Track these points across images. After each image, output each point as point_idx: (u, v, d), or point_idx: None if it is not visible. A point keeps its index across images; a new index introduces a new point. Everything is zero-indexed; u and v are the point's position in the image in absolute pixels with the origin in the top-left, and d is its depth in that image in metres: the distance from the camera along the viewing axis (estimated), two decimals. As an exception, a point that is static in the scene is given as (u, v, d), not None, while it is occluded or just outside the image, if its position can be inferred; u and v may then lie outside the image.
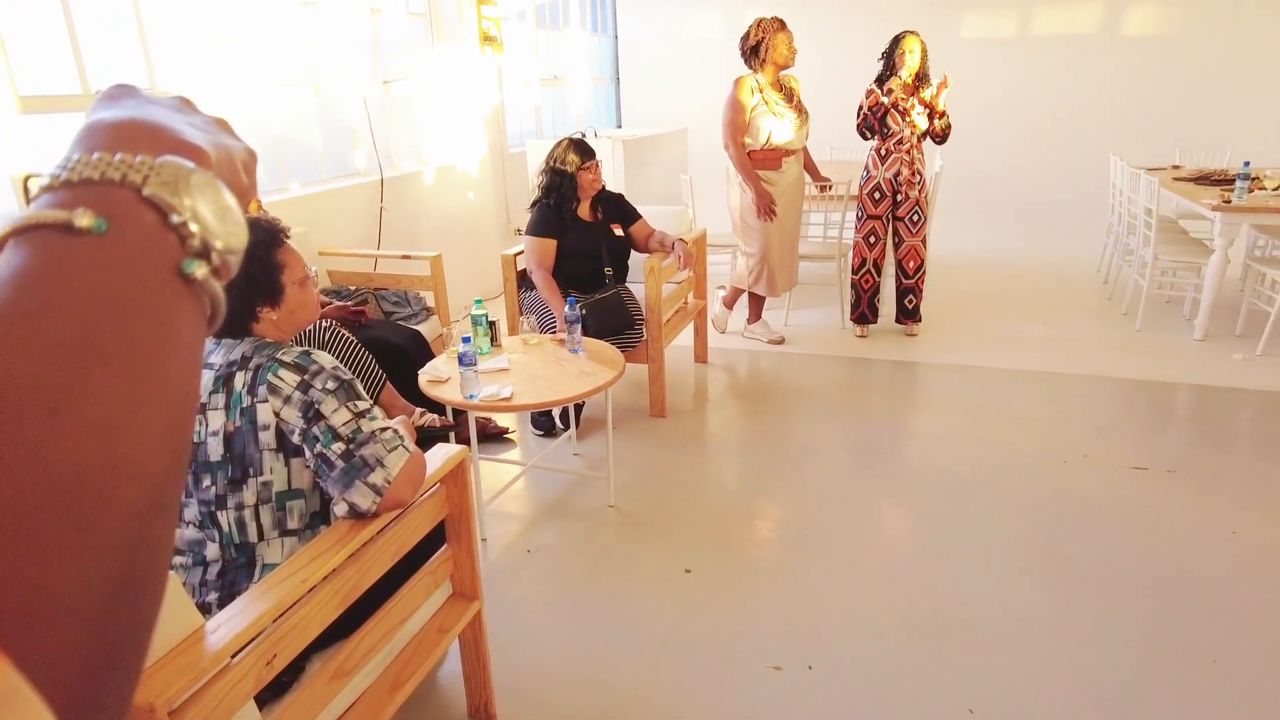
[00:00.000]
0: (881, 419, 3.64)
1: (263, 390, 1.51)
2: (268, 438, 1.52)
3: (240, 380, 1.53)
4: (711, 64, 7.76)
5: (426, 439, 2.09)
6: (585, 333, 3.08)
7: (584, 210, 3.50)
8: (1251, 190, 4.40)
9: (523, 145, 6.04)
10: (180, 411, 0.30)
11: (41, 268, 0.28)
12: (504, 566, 2.59)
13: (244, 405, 1.52)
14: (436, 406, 2.70)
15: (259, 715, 1.33)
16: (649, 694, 2.03)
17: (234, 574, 1.56)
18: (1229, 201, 4.20)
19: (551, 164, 3.44)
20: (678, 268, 3.60)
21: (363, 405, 1.55)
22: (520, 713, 1.98)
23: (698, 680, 2.06)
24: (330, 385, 1.53)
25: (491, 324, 2.95)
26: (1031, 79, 7.30)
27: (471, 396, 2.52)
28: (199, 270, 0.31)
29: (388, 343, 3.04)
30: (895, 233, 4.45)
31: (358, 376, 2.65)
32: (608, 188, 3.60)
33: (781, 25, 4.00)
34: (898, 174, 4.32)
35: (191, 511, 1.56)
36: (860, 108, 4.29)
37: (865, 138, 4.40)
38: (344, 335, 2.73)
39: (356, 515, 1.50)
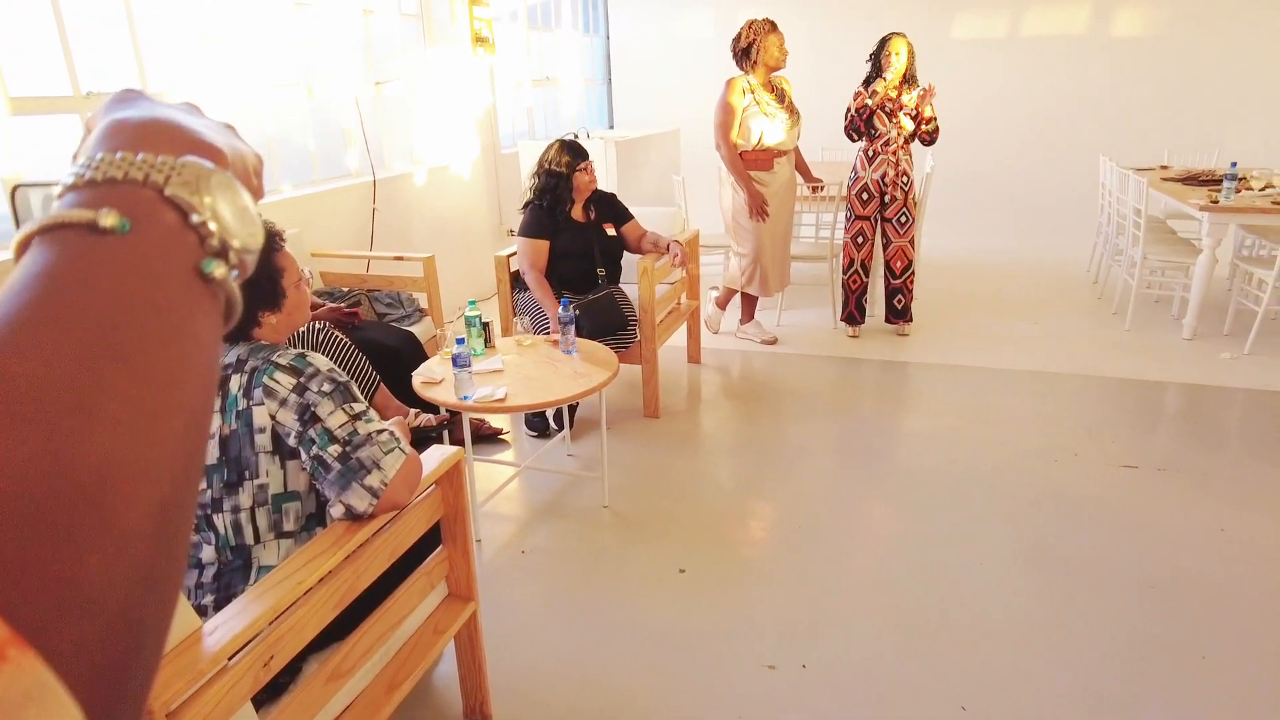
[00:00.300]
0: (874, 419, 3.66)
1: (258, 393, 1.51)
2: (264, 440, 1.52)
3: (236, 383, 1.53)
4: (703, 65, 7.76)
5: (421, 440, 2.09)
6: (579, 333, 3.09)
7: (577, 211, 3.50)
8: (1238, 190, 4.44)
9: (515, 146, 6.04)
10: (199, 410, 0.30)
11: (66, 269, 0.29)
12: (499, 568, 2.59)
13: (240, 408, 1.52)
14: (430, 407, 2.71)
15: (256, 716, 1.34)
16: (644, 694, 2.03)
17: (230, 576, 1.56)
18: (1216, 202, 4.24)
19: (546, 167, 3.44)
20: (672, 267, 3.61)
21: (359, 407, 1.55)
22: (516, 713, 1.99)
23: (692, 680, 2.07)
24: (326, 387, 1.53)
25: (485, 325, 2.95)
26: (1022, 80, 7.33)
27: (466, 398, 2.53)
28: (218, 270, 0.32)
29: (381, 344, 3.04)
30: (883, 233, 4.47)
31: (351, 378, 2.64)
32: (600, 187, 3.61)
33: (773, 27, 4.02)
34: (884, 175, 4.34)
35: (187, 514, 1.56)
36: (848, 109, 4.31)
37: (853, 139, 4.42)
38: (337, 337, 2.73)
39: (353, 517, 1.51)
